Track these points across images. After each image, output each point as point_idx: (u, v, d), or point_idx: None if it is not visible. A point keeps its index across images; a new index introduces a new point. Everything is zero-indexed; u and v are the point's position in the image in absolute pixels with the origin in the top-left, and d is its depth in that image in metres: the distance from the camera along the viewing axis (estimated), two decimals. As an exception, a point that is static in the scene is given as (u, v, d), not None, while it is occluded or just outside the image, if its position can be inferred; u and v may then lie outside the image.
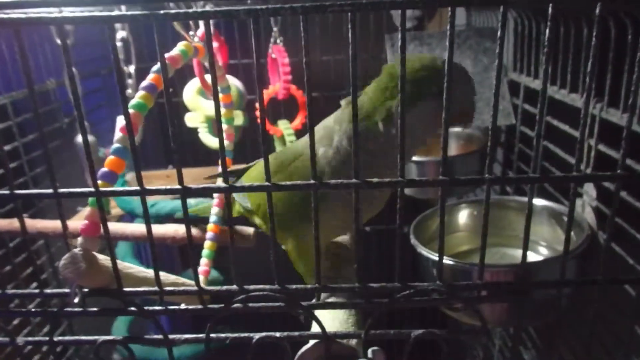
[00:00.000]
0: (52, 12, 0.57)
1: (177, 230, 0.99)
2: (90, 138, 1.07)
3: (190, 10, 0.39)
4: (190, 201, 1.22)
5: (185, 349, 1.27)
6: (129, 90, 1.21)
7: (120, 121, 1.13)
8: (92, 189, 0.50)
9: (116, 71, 0.45)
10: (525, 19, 1.12)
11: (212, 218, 0.90)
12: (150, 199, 1.26)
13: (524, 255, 0.52)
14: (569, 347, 0.86)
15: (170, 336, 0.56)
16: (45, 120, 1.17)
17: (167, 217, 1.17)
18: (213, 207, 0.90)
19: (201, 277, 0.92)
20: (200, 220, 0.97)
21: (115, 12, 0.43)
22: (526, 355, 1.15)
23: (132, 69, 1.23)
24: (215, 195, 0.90)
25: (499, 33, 0.44)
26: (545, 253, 0.94)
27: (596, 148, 0.80)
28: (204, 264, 0.92)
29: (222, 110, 0.88)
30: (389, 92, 0.67)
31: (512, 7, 1.09)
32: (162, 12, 0.40)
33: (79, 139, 1.03)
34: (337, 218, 0.68)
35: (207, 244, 0.92)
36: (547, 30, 0.45)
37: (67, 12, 0.71)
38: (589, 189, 0.84)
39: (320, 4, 0.39)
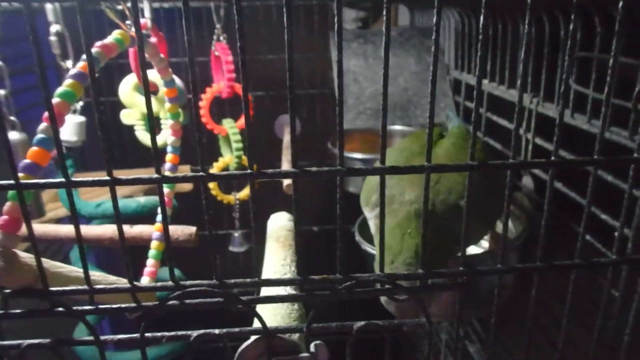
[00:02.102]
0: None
1: (115, 230, 0.96)
2: (21, 135, 1.01)
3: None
4: (140, 199, 1.19)
5: (161, 349, 1.23)
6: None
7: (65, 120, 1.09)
8: (11, 182, 0.46)
9: (35, 53, 0.42)
10: (465, 17, 1.13)
11: (159, 217, 0.87)
12: (97, 199, 1.22)
13: (463, 248, 0.52)
14: (515, 341, 0.87)
15: (102, 337, 0.54)
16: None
17: (112, 218, 1.13)
18: (159, 207, 0.88)
19: (147, 279, 0.89)
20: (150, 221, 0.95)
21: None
22: (471, 348, 1.16)
23: (69, 63, 1.18)
24: (165, 193, 0.87)
25: (434, 20, 0.43)
26: (485, 246, 0.95)
27: (533, 141, 0.81)
28: (150, 264, 0.89)
29: (167, 105, 0.85)
30: None
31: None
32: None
33: (11, 135, 0.98)
34: None
35: (154, 243, 0.89)
36: (482, 17, 0.45)
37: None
38: (527, 182, 0.85)
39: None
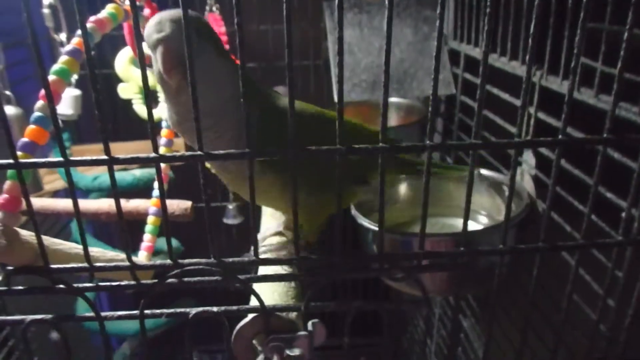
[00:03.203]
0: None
1: (111, 205, 0.96)
2: (17, 110, 1.00)
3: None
4: (135, 172, 1.18)
5: (157, 320, 1.24)
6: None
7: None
8: (10, 161, 0.46)
9: (29, 25, 0.41)
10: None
11: (156, 192, 0.87)
12: (94, 171, 1.21)
13: (465, 224, 0.51)
14: (508, 317, 0.87)
15: (103, 313, 0.54)
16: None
17: (110, 191, 1.13)
18: (156, 181, 0.87)
19: (145, 253, 0.89)
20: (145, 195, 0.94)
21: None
22: (465, 322, 1.17)
23: (63, 36, 1.16)
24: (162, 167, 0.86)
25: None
26: (485, 222, 0.95)
27: (536, 116, 0.80)
28: (147, 239, 0.89)
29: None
30: None
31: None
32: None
33: (7, 110, 0.97)
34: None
35: (151, 218, 0.89)
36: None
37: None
38: (528, 158, 0.85)
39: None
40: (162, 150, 0.92)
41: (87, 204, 0.97)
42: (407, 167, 0.80)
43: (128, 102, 1.24)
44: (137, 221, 0.94)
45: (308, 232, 0.71)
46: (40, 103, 0.50)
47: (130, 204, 0.95)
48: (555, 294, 0.73)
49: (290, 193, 0.47)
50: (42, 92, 0.47)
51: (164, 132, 0.93)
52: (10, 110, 0.99)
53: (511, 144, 0.48)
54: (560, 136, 0.48)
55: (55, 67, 0.51)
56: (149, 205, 0.92)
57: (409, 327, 1.59)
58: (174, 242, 1.19)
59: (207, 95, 0.56)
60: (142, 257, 0.88)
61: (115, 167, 0.48)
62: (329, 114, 0.69)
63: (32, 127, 0.50)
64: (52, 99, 0.44)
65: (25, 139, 0.49)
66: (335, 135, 0.47)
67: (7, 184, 0.50)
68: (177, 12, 0.56)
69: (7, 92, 1.00)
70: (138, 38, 0.44)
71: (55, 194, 1.23)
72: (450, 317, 1.28)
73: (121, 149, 1.28)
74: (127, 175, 1.17)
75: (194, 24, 0.56)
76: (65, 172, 0.47)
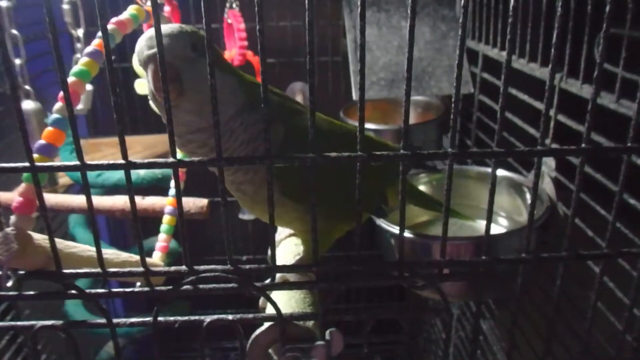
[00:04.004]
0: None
1: (126, 202, 0.95)
2: (35, 105, 1.00)
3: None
4: (140, 172, 1.18)
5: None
6: (78, 55, 1.14)
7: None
8: (26, 164, 0.45)
9: (51, 34, 0.41)
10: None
11: (172, 191, 0.86)
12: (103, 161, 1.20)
13: (487, 231, 0.50)
14: (527, 318, 0.86)
15: (115, 320, 0.53)
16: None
17: (113, 187, 1.12)
18: (172, 180, 0.86)
19: (159, 254, 0.88)
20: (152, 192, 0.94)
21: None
22: (484, 325, 1.16)
23: (80, 32, 1.15)
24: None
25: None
26: (505, 224, 0.93)
27: (556, 119, 0.79)
28: (162, 239, 0.88)
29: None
30: None
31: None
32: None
33: (25, 105, 0.97)
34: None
35: (166, 218, 0.88)
36: (513, 0, 0.43)
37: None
38: (548, 160, 0.83)
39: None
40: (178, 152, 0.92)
41: (103, 201, 0.96)
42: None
43: (144, 96, 1.23)
44: (150, 217, 0.93)
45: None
46: (58, 105, 0.49)
47: (145, 202, 0.94)
48: (576, 297, 0.72)
49: (307, 221, 0.46)
50: (61, 94, 0.46)
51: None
52: (28, 104, 0.99)
53: (534, 152, 0.47)
54: (583, 144, 0.46)
55: (75, 68, 0.50)
56: (164, 203, 0.91)
57: (426, 326, 1.58)
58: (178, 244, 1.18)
59: (207, 113, 0.52)
60: (156, 257, 0.87)
61: (134, 158, 0.47)
62: (343, 127, 0.67)
63: (49, 129, 0.49)
64: (71, 103, 0.44)
65: (42, 141, 0.49)
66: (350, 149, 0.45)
67: (22, 186, 0.49)
68: (170, 27, 0.53)
69: (27, 87, 1.00)
70: (160, 45, 0.43)
71: (70, 187, 1.23)
72: (468, 319, 1.27)
73: (137, 142, 1.28)
74: (134, 173, 1.16)
75: (190, 38, 0.53)
76: (81, 176, 0.47)
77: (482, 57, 1.13)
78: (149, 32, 0.53)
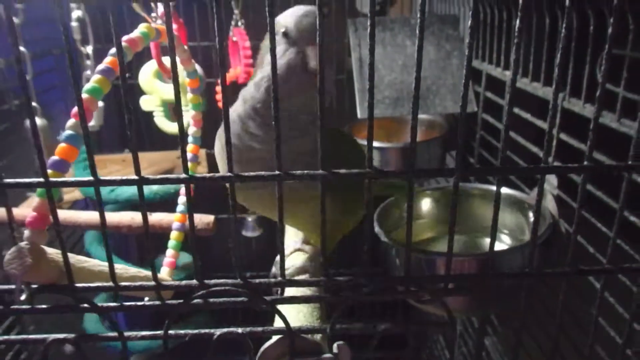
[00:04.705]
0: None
1: (133, 218, 0.96)
2: (41, 121, 1.02)
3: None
4: (153, 187, 1.19)
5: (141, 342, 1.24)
6: (88, 72, 1.16)
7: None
8: (41, 180, 0.46)
9: (67, 53, 0.42)
10: (487, 6, 1.11)
11: (180, 207, 0.87)
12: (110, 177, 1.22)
13: (492, 247, 0.51)
14: (530, 332, 0.86)
15: (126, 333, 0.54)
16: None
17: (126, 203, 1.13)
18: (180, 196, 0.88)
19: (167, 269, 0.89)
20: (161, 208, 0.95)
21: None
22: (487, 341, 1.16)
23: (89, 49, 1.17)
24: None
25: (469, 23, 0.42)
26: (508, 241, 0.94)
27: (558, 137, 0.80)
28: (169, 255, 0.89)
29: (189, 95, 0.85)
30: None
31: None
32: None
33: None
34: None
35: (174, 234, 0.89)
36: (518, 21, 0.45)
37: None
38: (551, 178, 0.84)
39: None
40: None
41: (109, 217, 0.97)
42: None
43: (149, 113, 1.25)
44: (157, 234, 0.94)
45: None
46: (72, 121, 0.51)
47: (153, 218, 0.95)
48: (577, 311, 0.73)
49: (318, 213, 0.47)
50: (75, 110, 0.47)
51: (189, 147, 0.94)
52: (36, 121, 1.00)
53: (537, 169, 0.48)
54: (585, 162, 0.48)
55: (88, 86, 0.51)
56: (172, 219, 0.92)
57: (429, 343, 1.58)
58: (187, 258, 1.19)
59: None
60: (164, 272, 0.88)
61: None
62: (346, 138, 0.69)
63: (63, 145, 0.50)
64: (85, 119, 0.45)
65: (56, 157, 0.50)
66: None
67: (36, 201, 0.50)
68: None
69: (34, 104, 1.01)
70: (172, 55, 0.44)
71: (74, 204, 1.25)
72: (470, 335, 1.27)
73: (143, 159, 1.29)
74: (144, 189, 1.17)
75: None
76: (94, 191, 0.48)
77: (485, 76, 1.14)
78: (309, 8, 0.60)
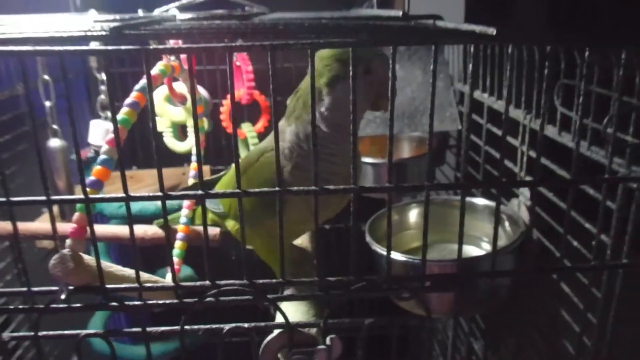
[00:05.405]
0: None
1: (145, 231, 1.05)
2: (62, 142, 1.10)
3: (175, 47, 0.46)
4: (158, 202, 1.28)
5: (168, 345, 1.33)
6: (102, 97, 1.26)
7: (95, 126, 1.18)
8: (81, 196, 0.56)
9: (110, 102, 0.51)
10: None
11: (182, 220, 0.97)
12: (119, 192, 1.30)
13: (460, 249, 0.60)
14: (517, 338, 0.95)
15: (148, 329, 0.63)
16: (14, 124, 1.19)
17: (134, 218, 1.22)
18: (183, 209, 0.97)
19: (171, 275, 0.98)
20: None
21: (110, 47, 0.48)
22: (476, 345, 1.24)
23: (104, 76, 1.27)
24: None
25: (421, 67, 0.52)
26: (487, 248, 1.03)
27: (527, 154, 0.90)
28: (174, 262, 0.98)
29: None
30: (319, 73, 0.71)
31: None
32: (151, 47, 0.46)
33: (51, 143, 1.08)
34: (300, 215, 0.73)
35: (178, 244, 0.98)
36: (508, 65, 0.54)
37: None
38: (525, 190, 0.94)
39: (285, 42, 0.46)
40: (191, 181, 1.03)
41: (123, 230, 1.05)
42: None
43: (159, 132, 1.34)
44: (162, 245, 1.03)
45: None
46: (105, 147, 0.60)
47: (160, 230, 1.04)
48: (553, 311, 0.82)
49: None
50: (110, 137, 0.57)
51: (193, 165, 1.03)
52: (55, 142, 1.09)
53: (493, 184, 0.57)
54: (533, 178, 0.57)
55: (119, 117, 0.61)
56: (176, 230, 1.01)
57: (423, 353, 1.65)
58: (188, 270, 1.27)
59: None
60: (169, 279, 0.97)
61: (147, 190, 0.57)
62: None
63: (98, 167, 0.60)
64: (120, 145, 0.54)
65: (93, 177, 0.59)
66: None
67: (76, 215, 0.60)
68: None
69: (54, 126, 1.10)
70: (194, 110, 0.53)
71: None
72: (462, 341, 1.35)
73: (150, 175, 1.38)
74: (150, 205, 1.25)
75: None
76: (125, 206, 0.57)
77: (468, 98, 1.23)
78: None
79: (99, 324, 1.32)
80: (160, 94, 1.28)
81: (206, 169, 1.47)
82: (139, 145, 1.58)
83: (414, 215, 1.13)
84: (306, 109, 0.71)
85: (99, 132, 1.22)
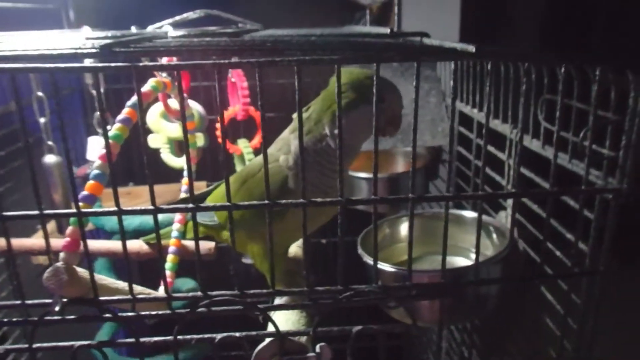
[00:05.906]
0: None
1: (141, 246, 1.06)
2: (57, 158, 1.12)
3: (165, 64, 0.48)
4: (150, 221, 1.29)
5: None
6: (98, 113, 1.27)
7: (93, 142, 1.19)
8: (74, 210, 0.57)
9: (100, 118, 0.53)
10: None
11: (174, 233, 0.98)
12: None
13: (444, 260, 0.62)
14: (511, 346, 0.96)
15: (142, 339, 0.64)
16: (9, 141, 1.21)
17: (132, 233, 1.23)
18: (175, 223, 0.98)
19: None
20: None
21: (99, 64, 0.51)
22: (467, 352, 1.25)
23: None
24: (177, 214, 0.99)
25: (414, 83, 0.54)
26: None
27: (514, 167, 0.92)
28: (167, 275, 0.99)
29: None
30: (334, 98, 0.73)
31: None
32: (141, 64, 0.48)
33: (47, 159, 1.09)
34: (301, 221, 0.77)
35: (170, 257, 0.99)
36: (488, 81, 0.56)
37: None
38: (510, 202, 0.95)
39: (272, 59, 0.48)
40: (182, 196, 1.05)
41: (119, 245, 1.07)
42: None
43: (154, 149, 1.35)
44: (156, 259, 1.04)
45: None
46: (98, 162, 0.62)
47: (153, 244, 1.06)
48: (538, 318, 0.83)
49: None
50: (103, 153, 0.58)
51: (185, 180, 1.05)
52: (51, 158, 1.10)
53: (475, 196, 0.59)
54: (512, 190, 0.59)
55: (111, 132, 0.63)
56: (168, 244, 1.02)
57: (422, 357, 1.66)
58: (191, 283, 1.29)
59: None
60: (161, 291, 0.98)
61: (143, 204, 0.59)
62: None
63: (91, 182, 0.61)
64: (111, 159, 0.56)
65: (85, 192, 0.61)
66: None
67: (69, 228, 0.61)
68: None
69: (50, 142, 1.12)
70: (184, 127, 0.55)
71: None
72: (455, 352, 1.36)
73: (146, 192, 1.39)
74: (150, 220, 1.26)
75: None
76: (117, 219, 0.59)
77: (458, 113, 1.25)
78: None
79: (105, 336, 1.32)
80: (156, 110, 1.30)
81: (202, 184, 1.49)
82: (136, 162, 1.61)
83: (405, 228, 1.14)
84: (317, 126, 0.76)
85: (96, 148, 1.24)
